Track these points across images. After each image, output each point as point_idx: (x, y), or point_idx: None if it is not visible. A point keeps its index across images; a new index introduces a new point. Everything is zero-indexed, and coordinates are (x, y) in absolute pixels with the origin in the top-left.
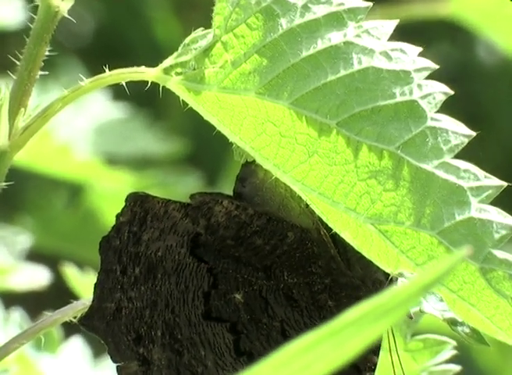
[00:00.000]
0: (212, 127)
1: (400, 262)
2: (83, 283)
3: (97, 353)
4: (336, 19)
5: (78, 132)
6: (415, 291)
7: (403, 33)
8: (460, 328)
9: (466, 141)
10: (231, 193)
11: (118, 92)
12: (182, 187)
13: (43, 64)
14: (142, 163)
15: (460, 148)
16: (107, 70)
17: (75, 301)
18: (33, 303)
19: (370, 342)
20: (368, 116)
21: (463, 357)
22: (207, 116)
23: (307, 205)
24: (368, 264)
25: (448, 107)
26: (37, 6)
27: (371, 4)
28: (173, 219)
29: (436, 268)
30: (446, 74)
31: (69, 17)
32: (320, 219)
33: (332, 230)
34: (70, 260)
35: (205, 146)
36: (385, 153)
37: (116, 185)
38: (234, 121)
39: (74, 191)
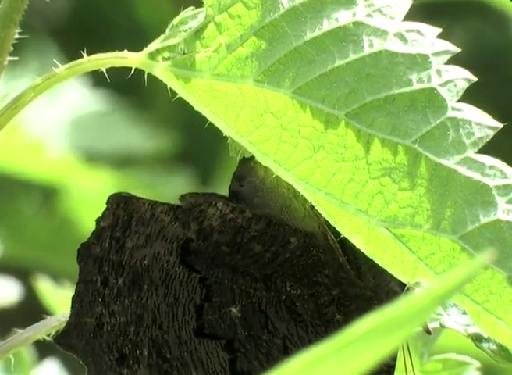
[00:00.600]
0: (205, 120)
1: (417, 271)
2: (58, 297)
3: None
4: None
5: (52, 126)
6: (432, 301)
7: (424, 12)
8: (485, 345)
9: (491, 133)
10: (226, 193)
11: (97, 80)
12: (171, 187)
13: (12, 48)
14: (125, 161)
15: (485, 141)
16: (85, 55)
17: (49, 317)
18: (2, 321)
19: (381, 360)
20: (381, 105)
21: None
22: (198, 107)
23: (312, 207)
24: (381, 273)
25: (473, 96)
26: None
27: None
28: (161, 224)
29: (456, 275)
30: (474, 59)
31: None
32: (327, 223)
33: (340, 234)
34: (43, 272)
35: (197, 141)
36: (401, 148)
37: (96, 186)
38: (229, 112)
39: (48, 194)
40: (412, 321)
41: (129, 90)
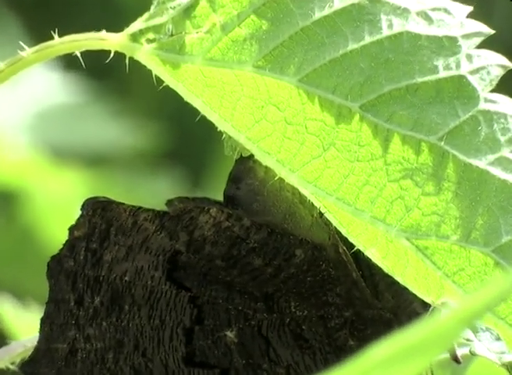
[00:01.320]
0: (196, 112)
1: (443, 289)
2: (23, 319)
3: None
4: None
5: (15, 119)
6: (459, 324)
7: None
8: None
9: None
10: (221, 198)
11: (70, 65)
12: (156, 190)
13: None
14: (102, 160)
15: None
16: (55, 36)
17: (13, 342)
18: None
19: None
20: (402, 96)
21: None
22: (189, 97)
23: (321, 214)
24: (401, 292)
25: (509, 85)
26: None
27: None
28: (144, 233)
29: (488, 293)
30: (510, 43)
31: None
32: (338, 233)
33: (354, 246)
34: (4, 290)
35: (186, 137)
36: (424, 145)
37: (66, 190)
38: (225, 104)
39: (8, 199)
40: (437, 347)
41: (107, 77)
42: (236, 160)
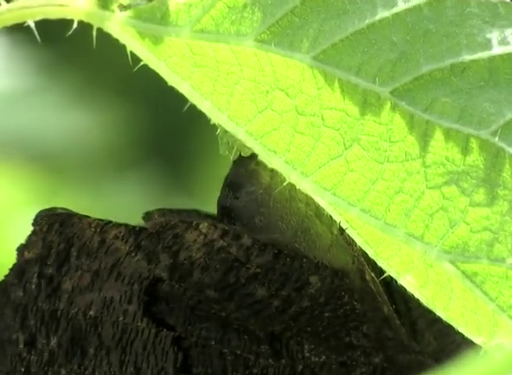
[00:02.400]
0: (182, 99)
1: (497, 327)
2: None
3: None
4: None
5: None
6: None
7: None
8: None
9: None
10: (213, 210)
11: (20, 39)
12: (128, 198)
13: None
14: (58, 158)
15: None
16: (3, 2)
17: None
18: None
19: None
20: (445, 79)
21: None
22: (173, 80)
23: (342, 231)
24: (445, 331)
25: None
26: None
27: None
28: (115, 255)
29: None
30: None
31: None
32: (364, 255)
33: (384, 272)
34: None
35: (169, 131)
36: (474, 142)
37: (8, 195)
38: (219, 89)
39: None
40: None
41: (67, 55)
42: (233, 161)
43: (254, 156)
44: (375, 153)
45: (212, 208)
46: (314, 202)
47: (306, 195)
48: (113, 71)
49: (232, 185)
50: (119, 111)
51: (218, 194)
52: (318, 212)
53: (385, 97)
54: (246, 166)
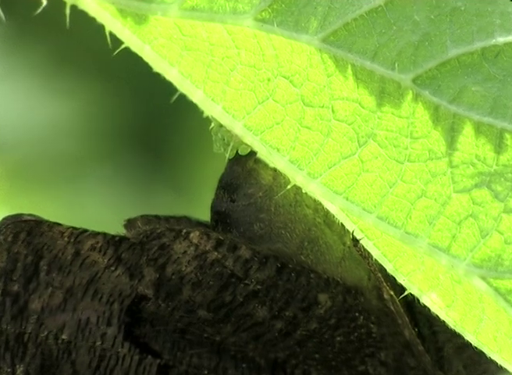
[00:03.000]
0: (170, 88)
1: None
2: None
3: None
4: None
5: None
6: None
7: None
8: None
9: None
10: (205, 216)
11: None
12: (106, 201)
13: None
14: (20, 147)
15: None
16: None
17: None
18: None
19: None
20: (476, 64)
21: None
22: (159, 66)
23: (356, 242)
24: (475, 358)
25: None
26: None
27: None
28: (92, 269)
29: None
30: None
31: None
32: (382, 270)
33: (405, 290)
34: None
35: (155, 123)
36: (509, 137)
37: None
38: (213, 76)
39: None
40: None
41: (37, 35)
42: (229, 160)
43: (252, 154)
44: (393, 151)
45: (204, 214)
46: (323, 208)
47: (314, 200)
48: (90, 55)
49: (227, 187)
50: (97, 99)
51: (211, 197)
52: (328, 219)
53: (406, 85)
54: (243, 165)
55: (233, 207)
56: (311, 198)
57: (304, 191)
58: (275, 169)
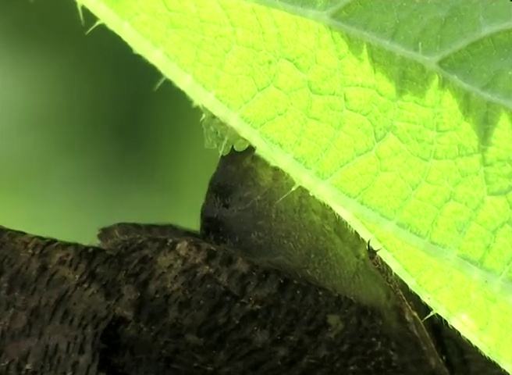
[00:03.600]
0: (152, 72)
1: None
2: None
3: None
4: None
5: None
6: None
7: None
8: None
9: None
10: (194, 224)
11: None
12: (78, 204)
13: None
14: None
15: None
16: None
17: None
18: None
19: None
20: None
21: None
22: (139, 45)
23: (372, 253)
24: None
25: None
26: None
27: None
28: (61, 287)
29: None
30: None
31: None
32: (403, 286)
33: (430, 310)
34: None
35: (135, 114)
36: None
37: None
38: (203, 58)
39: None
40: None
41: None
42: (221, 158)
43: (250, 151)
44: (416, 146)
45: (194, 221)
46: (333, 214)
47: (322, 204)
48: (58, 34)
49: (220, 189)
50: (67, 85)
51: (201, 200)
52: (339, 227)
53: (432, 69)
54: (239, 163)
55: (227, 213)
56: (319, 202)
57: (310, 194)
58: (276, 169)
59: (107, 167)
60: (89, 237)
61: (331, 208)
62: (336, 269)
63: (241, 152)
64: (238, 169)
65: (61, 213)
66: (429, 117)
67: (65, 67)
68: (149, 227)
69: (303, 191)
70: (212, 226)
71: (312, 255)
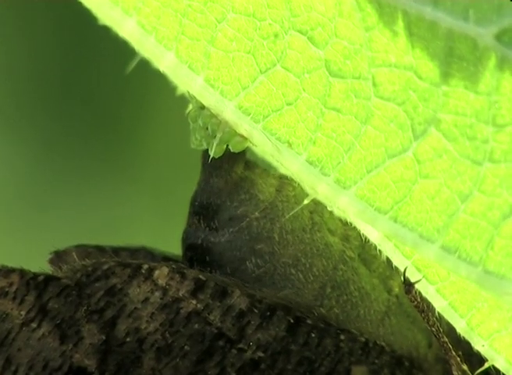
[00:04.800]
0: (124, 49)
1: None
2: None
3: None
4: None
5: None
6: None
7: None
8: None
9: None
10: (175, 247)
11: None
12: (32, 207)
13: None
14: None
15: None
16: None
17: None
18: None
19: None
20: None
21: None
22: (108, 15)
23: (409, 287)
24: None
25: None
26: None
27: None
28: (3, 327)
29: None
30: None
31: None
32: (450, 330)
33: (485, 361)
34: None
35: (105, 102)
36: None
37: None
38: (189, 30)
39: None
40: None
41: None
42: (211, 160)
43: (241, 156)
44: (467, 146)
45: (175, 246)
46: (357, 235)
47: (342, 222)
48: (41, 19)
49: (203, 210)
50: (21, 68)
51: (184, 214)
52: (365, 252)
53: (487, 45)
54: (227, 173)
55: (215, 237)
56: (338, 219)
57: (328, 209)
58: (281, 177)
59: (75, 167)
60: (39, 262)
61: (354, 228)
62: (359, 309)
63: (237, 154)
64: (226, 181)
65: (7, 228)
66: (484, 108)
67: (20, 45)
68: (116, 250)
69: (316, 205)
70: (197, 255)
71: (328, 290)
